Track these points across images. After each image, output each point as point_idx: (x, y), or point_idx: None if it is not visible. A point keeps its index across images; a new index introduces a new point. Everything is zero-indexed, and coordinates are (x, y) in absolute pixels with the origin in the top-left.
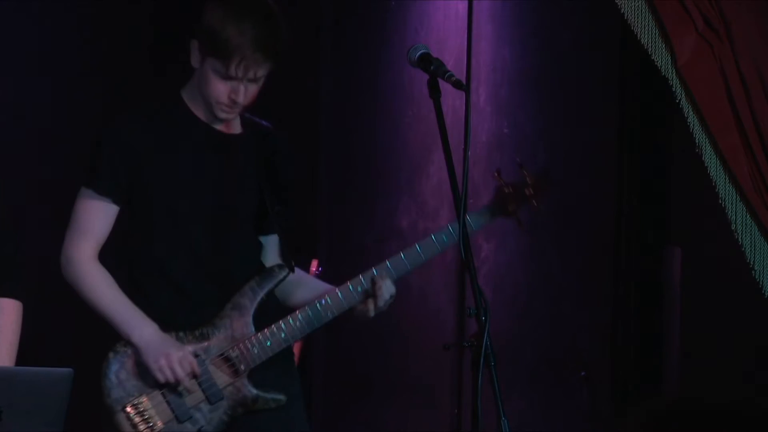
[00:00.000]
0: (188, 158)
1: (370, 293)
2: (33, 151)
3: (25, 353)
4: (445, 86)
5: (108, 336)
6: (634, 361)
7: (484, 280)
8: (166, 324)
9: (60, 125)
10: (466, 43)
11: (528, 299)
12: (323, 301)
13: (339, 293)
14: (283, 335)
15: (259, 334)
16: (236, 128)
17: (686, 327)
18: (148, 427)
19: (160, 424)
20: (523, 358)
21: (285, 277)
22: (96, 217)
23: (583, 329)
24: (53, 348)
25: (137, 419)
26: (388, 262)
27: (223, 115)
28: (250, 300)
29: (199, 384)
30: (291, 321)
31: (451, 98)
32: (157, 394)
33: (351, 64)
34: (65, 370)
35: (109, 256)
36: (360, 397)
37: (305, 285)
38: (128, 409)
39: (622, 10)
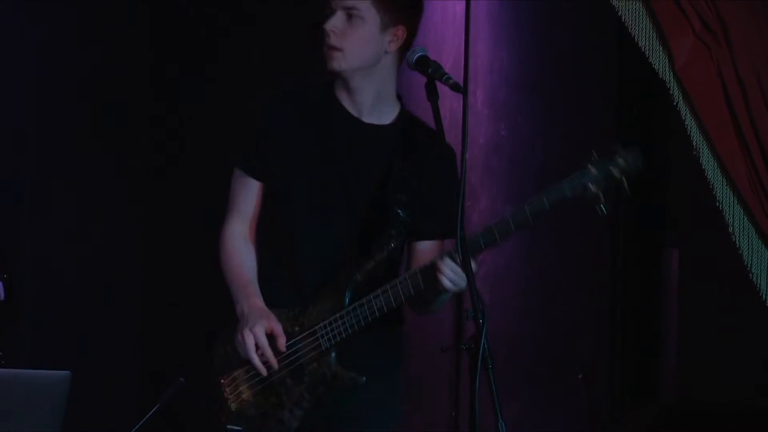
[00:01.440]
0: (320, 143)
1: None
2: (32, 152)
3: (24, 357)
4: (442, 89)
5: (109, 340)
6: (631, 362)
7: (482, 283)
8: (271, 300)
9: (60, 126)
10: (463, 45)
11: (525, 301)
12: (402, 281)
13: (419, 272)
14: (362, 312)
15: (343, 312)
16: (384, 118)
17: (684, 329)
18: (236, 398)
19: (247, 395)
20: (520, 360)
21: (381, 259)
22: (241, 195)
23: (581, 331)
24: (51, 351)
25: (229, 390)
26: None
27: (329, 63)
28: (347, 278)
29: (286, 358)
30: (373, 298)
31: (449, 101)
32: (251, 368)
33: None
34: (63, 373)
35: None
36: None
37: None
38: (223, 380)
39: (620, 13)
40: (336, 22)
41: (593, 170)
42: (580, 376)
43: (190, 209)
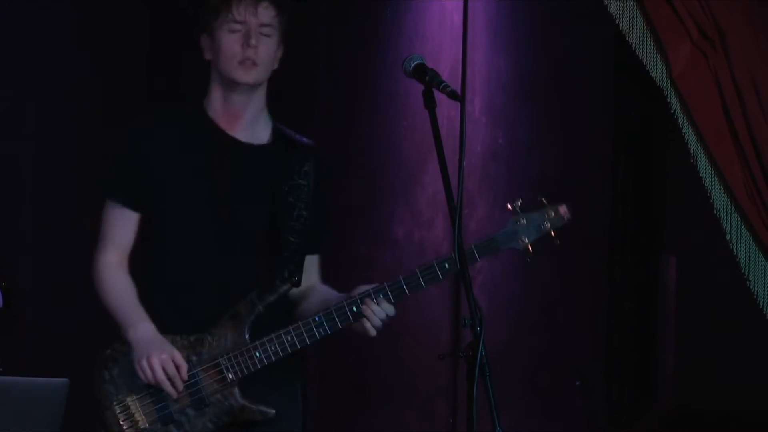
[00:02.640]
0: (198, 166)
1: (362, 314)
2: (31, 154)
3: (22, 364)
4: (440, 97)
5: (107, 347)
6: (629, 370)
7: (479, 290)
8: (162, 327)
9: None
10: (461, 53)
11: (523, 309)
12: (317, 318)
13: (334, 312)
14: (272, 347)
15: (250, 345)
16: (261, 137)
17: (681, 336)
18: (131, 426)
19: (143, 423)
20: (518, 367)
21: (285, 292)
22: (115, 225)
23: (578, 338)
24: (50, 358)
25: (122, 417)
26: (386, 284)
27: (242, 75)
28: (248, 311)
29: (186, 389)
30: (283, 334)
31: (446, 108)
32: (146, 395)
33: (346, 74)
34: (61, 380)
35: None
36: (355, 407)
37: (313, 296)
38: (115, 406)
39: (617, 21)
40: (254, 38)
41: (523, 222)
42: (577, 383)
43: None
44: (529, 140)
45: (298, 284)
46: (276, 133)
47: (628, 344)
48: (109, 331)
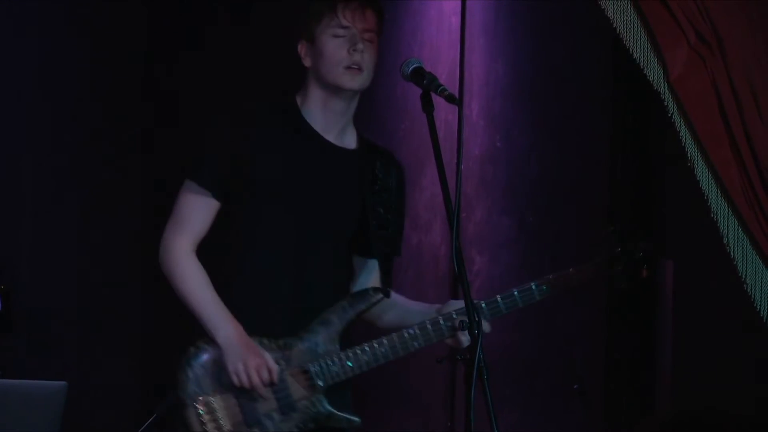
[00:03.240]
0: (292, 165)
1: (456, 330)
2: (30, 156)
3: (21, 367)
4: (438, 100)
5: (106, 350)
6: (627, 373)
7: (478, 294)
8: (251, 329)
9: (58, 129)
10: (458, 56)
11: (521, 312)
12: (411, 331)
13: (429, 326)
14: (366, 358)
15: (342, 353)
16: (350, 143)
17: (679, 339)
18: (215, 426)
19: (228, 425)
20: (516, 371)
21: (379, 301)
22: (196, 210)
23: (576, 342)
24: (48, 361)
25: (206, 417)
26: (483, 303)
27: (348, 81)
28: (340, 318)
29: (274, 393)
30: (376, 345)
31: (444, 112)
32: (230, 396)
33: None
34: (59, 383)
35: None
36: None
37: (398, 309)
38: (199, 405)
39: (615, 24)
40: (360, 43)
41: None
42: (575, 386)
43: None
44: (527, 144)
45: (389, 294)
46: (361, 139)
47: (626, 348)
48: (108, 335)
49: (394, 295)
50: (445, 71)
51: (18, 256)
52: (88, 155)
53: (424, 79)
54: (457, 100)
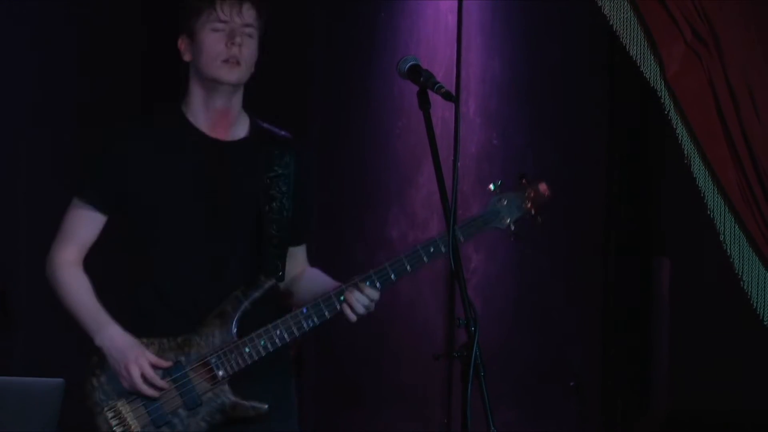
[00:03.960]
0: (180, 168)
1: (350, 303)
2: (27, 157)
3: (18, 364)
4: (434, 98)
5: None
6: (623, 371)
7: (474, 291)
8: (148, 331)
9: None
10: (455, 54)
11: (517, 310)
12: (304, 310)
13: (321, 303)
14: (262, 342)
15: (239, 341)
16: (239, 133)
17: (675, 337)
18: (125, 431)
19: (137, 427)
20: (512, 368)
21: (270, 287)
22: (79, 224)
23: (573, 340)
24: (46, 358)
25: (114, 422)
26: (372, 271)
27: (226, 74)
28: (234, 308)
29: (177, 389)
30: (271, 328)
31: (441, 110)
32: (137, 399)
33: (341, 76)
34: (56, 380)
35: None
36: (350, 407)
37: (306, 284)
38: (107, 411)
39: (611, 22)
40: (238, 37)
41: (504, 202)
42: (571, 384)
43: None
44: (523, 141)
45: (282, 279)
46: (254, 127)
47: (623, 345)
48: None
49: (310, 272)
50: (441, 69)
51: (15, 256)
52: (85, 156)
53: (420, 77)
54: (453, 98)
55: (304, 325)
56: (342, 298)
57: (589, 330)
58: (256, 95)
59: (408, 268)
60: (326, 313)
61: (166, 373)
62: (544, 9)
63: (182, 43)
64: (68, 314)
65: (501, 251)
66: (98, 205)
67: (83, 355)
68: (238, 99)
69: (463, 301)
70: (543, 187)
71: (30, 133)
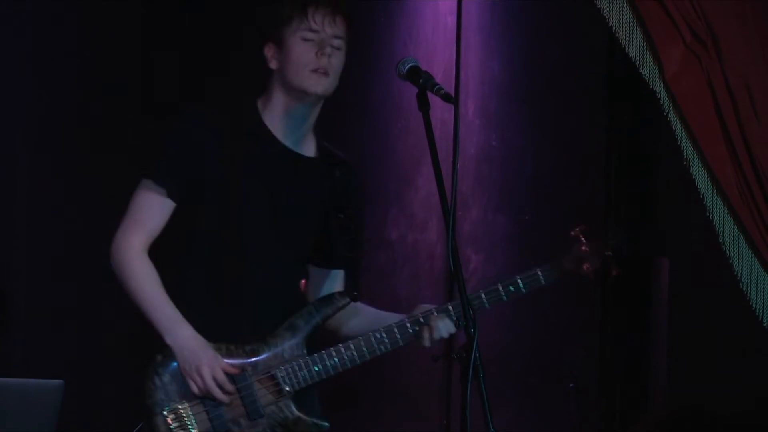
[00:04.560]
0: (252, 171)
1: (421, 334)
2: (26, 157)
3: (17, 366)
4: (434, 99)
5: (102, 349)
6: (622, 372)
7: (473, 292)
8: (215, 335)
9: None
10: (454, 55)
11: (516, 311)
12: (378, 335)
13: (396, 330)
14: (332, 362)
15: (308, 357)
16: (310, 151)
17: (674, 338)
18: None
19: (196, 431)
20: (511, 369)
21: (344, 306)
22: (151, 209)
23: (571, 341)
24: (45, 359)
25: (174, 424)
26: (449, 304)
27: (314, 85)
28: (306, 323)
29: (241, 399)
30: (343, 349)
31: (440, 111)
32: (199, 403)
33: (340, 77)
34: (56, 382)
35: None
36: (349, 408)
37: (363, 315)
38: (167, 412)
39: (610, 23)
40: (328, 48)
41: (586, 249)
42: (570, 385)
43: None
44: (522, 143)
45: (356, 299)
46: (321, 147)
47: (621, 346)
48: (104, 334)
49: (360, 303)
50: (440, 70)
51: (15, 256)
52: (85, 155)
53: (420, 78)
54: (453, 99)
55: (377, 349)
56: (417, 327)
57: (588, 331)
58: (256, 97)
59: (486, 304)
60: (400, 340)
61: (231, 379)
62: (544, 10)
63: (269, 51)
64: (133, 304)
65: (500, 253)
66: (171, 190)
67: (83, 356)
68: (316, 112)
69: (462, 303)
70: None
71: (30, 133)
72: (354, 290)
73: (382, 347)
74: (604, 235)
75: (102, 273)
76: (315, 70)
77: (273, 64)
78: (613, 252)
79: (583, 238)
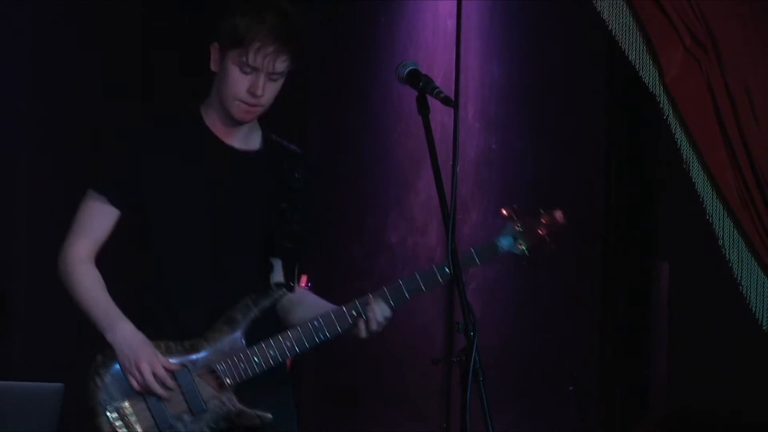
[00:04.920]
0: (194, 172)
1: (363, 316)
2: (26, 158)
3: (17, 368)
4: (433, 102)
5: (103, 350)
6: (622, 375)
7: (473, 296)
8: (156, 333)
9: (53, 127)
10: (454, 59)
11: (516, 314)
12: (315, 323)
13: (333, 315)
14: (271, 352)
15: (247, 349)
16: (253, 144)
17: (673, 340)
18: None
19: (140, 429)
20: (511, 372)
21: (281, 297)
22: (95, 218)
23: (571, 344)
24: (45, 360)
25: (117, 423)
26: (385, 288)
27: (241, 114)
28: (243, 316)
29: (183, 394)
30: (281, 339)
31: (440, 114)
32: (141, 400)
33: (340, 81)
34: (56, 385)
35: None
36: (349, 411)
37: (306, 304)
38: (110, 412)
39: (610, 27)
40: (262, 87)
41: (519, 228)
42: (570, 388)
43: None
44: (522, 146)
45: (292, 289)
46: (266, 140)
47: (621, 349)
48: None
49: (305, 292)
50: (440, 74)
51: (15, 257)
52: (85, 156)
53: (419, 82)
54: (452, 103)
55: (315, 337)
56: (354, 312)
57: (588, 334)
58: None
59: (422, 287)
60: (338, 327)
61: (172, 376)
62: (543, 14)
63: (213, 52)
64: (79, 311)
65: (504, 256)
66: (113, 199)
67: (83, 357)
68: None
69: (462, 306)
70: (559, 215)
71: (30, 133)
72: (291, 281)
73: (320, 335)
74: (537, 212)
75: (102, 273)
76: (245, 102)
77: (213, 66)
78: (548, 230)
79: (515, 216)
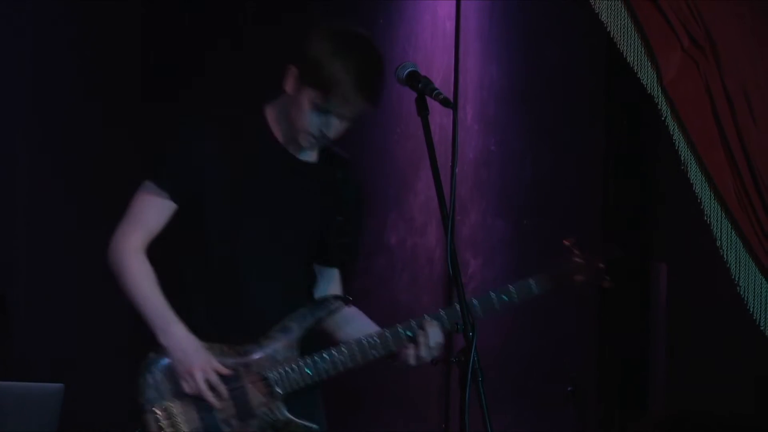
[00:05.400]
0: (254, 177)
1: (415, 339)
2: (26, 159)
3: (18, 369)
4: (432, 104)
5: (103, 352)
6: (620, 376)
7: (472, 296)
8: (209, 335)
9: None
10: (453, 60)
11: (515, 315)
12: (371, 340)
13: (388, 334)
14: (324, 366)
15: (300, 360)
16: (312, 156)
17: (672, 341)
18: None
19: (186, 430)
20: (510, 373)
21: (338, 309)
22: (150, 210)
23: (570, 345)
24: (45, 360)
25: (165, 422)
26: (441, 310)
27: (307, 146)
28: (299, 325)
29: (232, 399)
30: (335, 353)
31: (439, 116)
32: (190, 401)
33: None
34: (56, 386)
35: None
36: (348, 412)
37: (356, 322)
38: (157, 410)
39: (609, 28)
40: (334, 129)
41: (580, 261)
42: (569, 389)
43: None
44: (521, 147)
45: (349, 303)
46: (322, 151)
47: (620, 351)
48: (105, 337)
49: (357, 312)
50: (439, 75)
51: (15, 258)
52: (84, 156)
53: (419, 83)
54: (451, 104)
55: (369, 354)
56: (409, 333)
57: (586, 335)
58: (256, 100)
59: (480, 312)
60: (392, 346)
61: (223, 380)
62: (542, 15)
63: (291, 74)
64: (129, 302)
65: (498, 257)
66: (172, 192)
67: (83, 357)
68: None
69: (461, 307)
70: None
71: (30, 133)
72: (347, 293)
73: (374, 352)
74: (598, 247)
75: (103, 273)
76: (314, 137)
77: (288, 87)
78: (606, 264)
79: (576, 250)
